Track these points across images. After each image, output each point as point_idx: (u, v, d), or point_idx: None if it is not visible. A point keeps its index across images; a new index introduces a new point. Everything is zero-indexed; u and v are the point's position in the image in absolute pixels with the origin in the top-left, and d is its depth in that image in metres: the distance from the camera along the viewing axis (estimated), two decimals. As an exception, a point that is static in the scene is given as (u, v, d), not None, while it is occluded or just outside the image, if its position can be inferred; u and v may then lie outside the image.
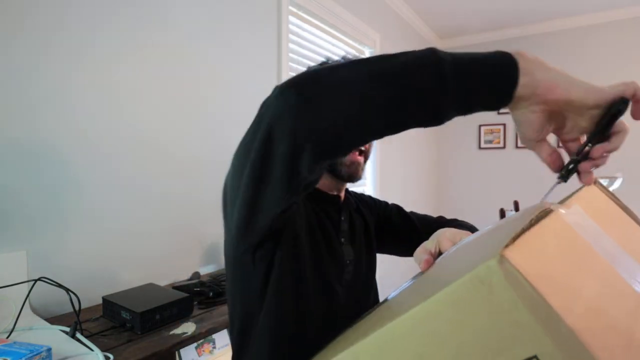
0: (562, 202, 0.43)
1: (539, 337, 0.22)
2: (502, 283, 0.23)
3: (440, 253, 0.54)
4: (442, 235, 0.56)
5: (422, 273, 0.48)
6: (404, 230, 0.91)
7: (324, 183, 0.77)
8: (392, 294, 0.48)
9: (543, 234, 0.31)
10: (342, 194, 0.81)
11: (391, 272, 2.43)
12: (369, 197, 0.97)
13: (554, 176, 0.44)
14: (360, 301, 0.76)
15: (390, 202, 0.98)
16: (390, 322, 0.28)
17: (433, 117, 0.41)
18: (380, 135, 0.44)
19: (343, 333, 0.47)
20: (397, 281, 2.61)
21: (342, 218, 0.78)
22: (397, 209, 0.95)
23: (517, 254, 0.25)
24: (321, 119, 0.41)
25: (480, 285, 0.24)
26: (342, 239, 0.76)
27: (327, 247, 0.71)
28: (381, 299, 0.69)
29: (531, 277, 0.24)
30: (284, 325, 0.64)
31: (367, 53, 2.57)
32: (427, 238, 0.74)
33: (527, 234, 0.29)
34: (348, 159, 0.74)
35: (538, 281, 0.24)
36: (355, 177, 0.76)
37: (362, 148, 0.76)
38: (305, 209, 0.71)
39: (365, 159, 0.78)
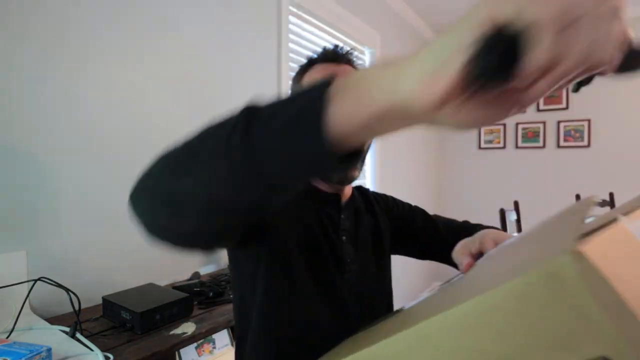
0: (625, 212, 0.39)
1: (611, 336, 0.21)
2: (576, 278, 0.22)
3: (481, 254, 0.53)
4: (486, 236, 0.54)
5: (457, 278, 0.46)
6: (426, 233, 0.89)
7: (321, 183, 0.76)
8: (413, 303, 0.45)
9: (611, 239, 0.30)
10: (345, 192, 0.79)
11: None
12: (392, 198, 0.95)
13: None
14: (366, 301, 0.75)
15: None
16: (427, 319, 0.27)
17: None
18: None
19: (352, 337, 0.45)
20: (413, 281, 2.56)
21: (342, 216, 0.77)
22: (422, 211, 0.93)
23: (590, 251, 0.24)
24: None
25: (551, 279, 0.22)
26: (344, 237, 0.76)
27: (325, 245, 0.71)
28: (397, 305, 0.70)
29: (606, 274, 0.23)
30: (279, 324, 0.65)
31: (367, 53, 2.57)
32: (450, 242, 0.74)
33: (596, 237, 0.28)
34: None
35: (613, 280, 0.23)
36: (346, 180, 0.73)
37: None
38: (302, 209, 0.71)
39: None
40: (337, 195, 0.78)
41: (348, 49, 0.75)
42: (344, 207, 0.78)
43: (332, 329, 0.61)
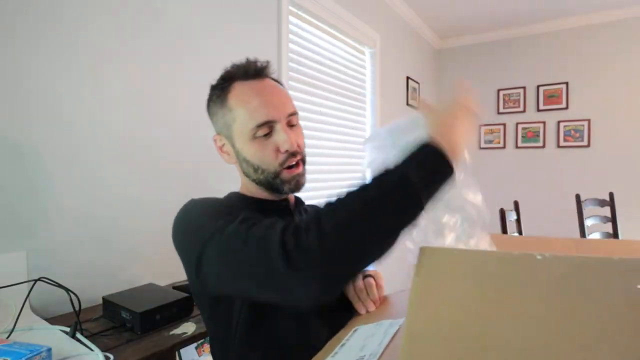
0: None
1: None
2: None
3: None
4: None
5: None
6: None
7: (266, 194, 0.75)
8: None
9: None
10: (290, 198, 0.79)
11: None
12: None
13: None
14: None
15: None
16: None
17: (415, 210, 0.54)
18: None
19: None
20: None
21: (296, 219, 0.76)
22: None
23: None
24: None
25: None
26: None
27: None
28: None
29: None
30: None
31: (367, 53, 2.57)
32: None
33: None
34: (288, 175, 0.71)
35: None
36: (297, 188, 0.73)
37: (297, 153, 0.71)
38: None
39: (304, 163, 0.75)
40: (285, 201, 0.78)
41: (265, 62, 0.75)
42: (294, 211, 0.79)
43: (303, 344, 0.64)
